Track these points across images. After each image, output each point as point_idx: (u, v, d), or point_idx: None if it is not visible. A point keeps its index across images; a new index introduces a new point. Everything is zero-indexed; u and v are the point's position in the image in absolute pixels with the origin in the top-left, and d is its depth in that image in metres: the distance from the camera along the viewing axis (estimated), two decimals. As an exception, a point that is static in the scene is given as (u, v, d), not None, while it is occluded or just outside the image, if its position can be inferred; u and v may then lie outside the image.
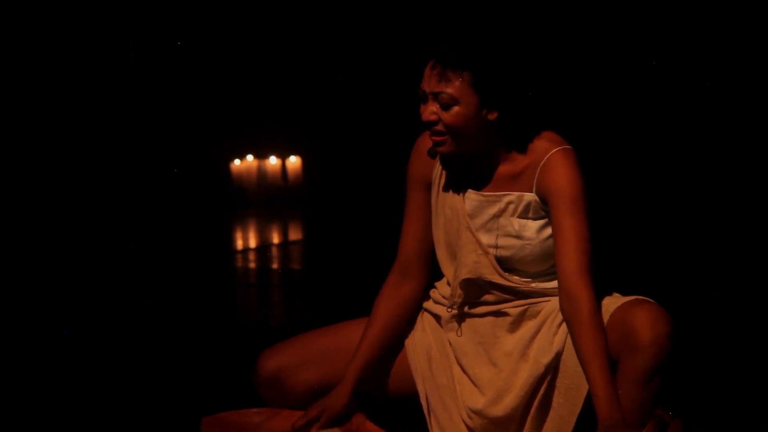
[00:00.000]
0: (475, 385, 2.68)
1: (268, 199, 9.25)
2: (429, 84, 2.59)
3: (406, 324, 2.80)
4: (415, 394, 2.75)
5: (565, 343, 2.57)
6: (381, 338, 2.77)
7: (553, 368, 2.59)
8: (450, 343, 2.74)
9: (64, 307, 4.62)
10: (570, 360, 2.56)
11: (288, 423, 2.74)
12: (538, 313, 2.64)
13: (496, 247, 2.64)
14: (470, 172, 2.68)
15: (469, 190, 2.68)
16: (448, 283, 2.73)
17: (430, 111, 2.59)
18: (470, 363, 2.69)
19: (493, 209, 2.65)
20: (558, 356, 2.58)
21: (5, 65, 5.12)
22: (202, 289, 5.52)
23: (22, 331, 4.18)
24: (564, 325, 2.57)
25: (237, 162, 9.28)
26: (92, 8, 5.13)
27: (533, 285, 2.65)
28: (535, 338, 2.63)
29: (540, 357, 2.60)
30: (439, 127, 2.59)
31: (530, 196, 2.62)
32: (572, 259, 2.54)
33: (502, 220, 2.64)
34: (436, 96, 2.58)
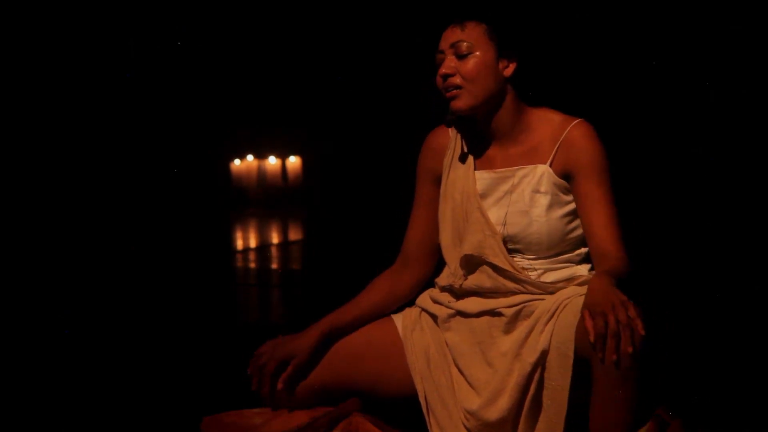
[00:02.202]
0: (471, 386, 2.68)
1: (268, 199, 9.26)
2: (446, 40, 2.65)
3: (392, 310, 2.83)
4: (414, 394, 2.75)
5: (550, 342, 2.55)
6: (365, 307, 2.82)
7: (540, 367, 2.58)
8: (447, 344, 2.74)
9: (64, 307, 4.62)
10: (555, 360, 2.54)
11: (288, 424, 2.74)
12: (532, 313, 2.64)
13: (505, 223, 2.66)
14: (483, 151, 2.71)
15: (482, 170, 2.70)
16: (450, 274, 2.74)
17: (448, 65, 2.63)
18: (466, 363, 2.69)
19: (506, 185, 2.68)
20: (544, 355, 2.56)
21: (5, 65, 5.12)
22: (202, 289, 5.52)
23: (22, 331, 4.18)
24: (550, 323, 2.56)
25: (237, 162, 9.29)
26: (92, 8, 5.13)
27: (533, 277, 2.65)
28: (528, 338, 2.62)
29: (527, 356, 2.59)
30: (456, 80, 2.63)
31: (543, 168, 2.65)
32: (606, 227, 2.60)
33: (515, 196, 2.66)
34: (454, 47, 2.63)
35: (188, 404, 3.19)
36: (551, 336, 2.55)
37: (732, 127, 4.32)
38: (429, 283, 2.87)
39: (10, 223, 5.26)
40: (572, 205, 2.67)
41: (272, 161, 9.33)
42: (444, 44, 2.66)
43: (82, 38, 5.28)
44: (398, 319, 2.84)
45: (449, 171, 2.76)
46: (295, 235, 8.47)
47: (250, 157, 9.31)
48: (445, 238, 2.75)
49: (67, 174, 5.74)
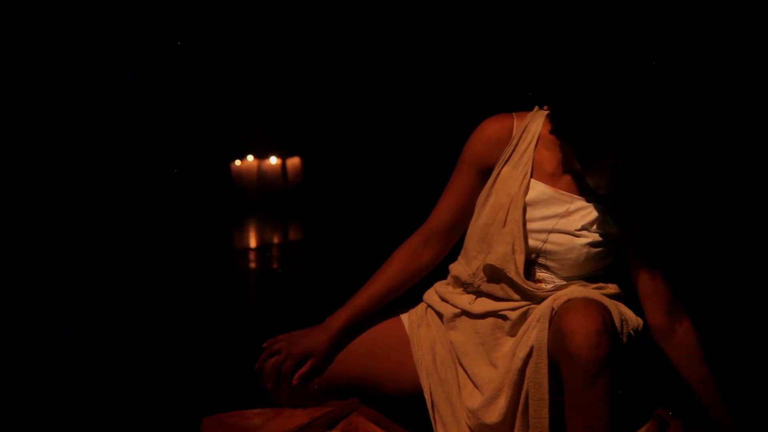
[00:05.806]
0: (475, 386, 2.69)
1: (268, 199, 9.24)
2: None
3: (407, 290, 2.81)
4: (417, 392, 2.76)
5: (540, 338, 2.57)
6: (383, 293, 2.79)
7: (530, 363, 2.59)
8: (451, 342, 2.74)
9: (64, 307, 4.62)
10: (535, 356, 2.56)
11: (289, 423, 2.73)
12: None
13: (546, 240, 2.65)
14: (547, 161, 2.68)
15: (541, 183, 2.67)
16: (470, 274, 2.73)
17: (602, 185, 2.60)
18: (470, 362, 2.70)
19: (560, 208, 2.65)
20: (531, 350, 2.57)
21: (5, 65, 5.12)
22: (203, 289, 5.52)
23: (22, 331, 4.18)
24: (540, 321, 2.56)
25: (237, 162, 9.28)
26: (92, 8, 5.13)
27: (549, 287, 2.66)
28: (523, 337, 2.63)
29: (519, 352, 2.60)
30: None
31: (600, 208, 2.63)
32: (664, 292, 2.65)
33: (564, 221, 2.64)
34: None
35: (188, 404, 3.19)
36: (538, 333, 2.56)
37: (732, 127, 4.32)
38: (437, 273, 2.86)
39: (11, 223, 5.26)
40: (612, 245, 2.67)
41: (272, 161, 9.32)
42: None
43: (82, 38, 5.28)
44: (405, 315, 2.84)
45: (503, 166, 2.70)
46: (295, 235, 8.46)
47: (250, 157, 9.30)
48: (474, 229, 2.71)
49: (68, 174, 5.74)
